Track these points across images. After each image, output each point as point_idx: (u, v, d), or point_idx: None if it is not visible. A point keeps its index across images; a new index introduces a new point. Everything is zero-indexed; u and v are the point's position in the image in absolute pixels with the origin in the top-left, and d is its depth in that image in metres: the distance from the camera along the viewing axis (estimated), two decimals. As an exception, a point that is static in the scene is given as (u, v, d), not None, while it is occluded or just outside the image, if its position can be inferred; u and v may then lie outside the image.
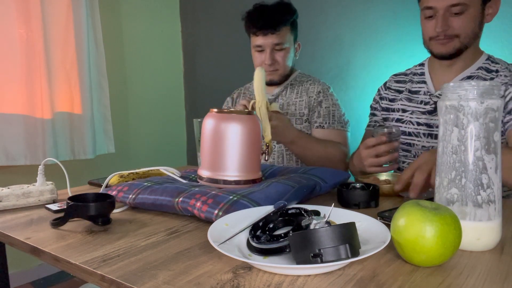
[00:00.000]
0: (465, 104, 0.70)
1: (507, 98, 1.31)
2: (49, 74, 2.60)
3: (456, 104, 0.71)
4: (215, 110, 1.06)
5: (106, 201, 0.91)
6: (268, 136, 1.33)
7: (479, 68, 1.40)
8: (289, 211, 0.81)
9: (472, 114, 0.70)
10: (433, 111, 1.44)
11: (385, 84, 1.68)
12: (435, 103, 1.43)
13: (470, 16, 1.31)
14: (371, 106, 1.71)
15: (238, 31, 3.25)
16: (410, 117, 1.51)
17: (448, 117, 0.73)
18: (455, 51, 1.36)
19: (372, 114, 1.69)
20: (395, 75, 1.66)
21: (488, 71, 1.39)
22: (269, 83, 1.91)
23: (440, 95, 1.43)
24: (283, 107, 1.89)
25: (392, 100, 1.60)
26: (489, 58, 1.42)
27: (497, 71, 1.38)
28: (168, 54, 3.62)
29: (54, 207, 1.08)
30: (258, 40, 1.82)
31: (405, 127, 1.52)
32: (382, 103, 1.64)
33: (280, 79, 1.90)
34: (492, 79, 1.37)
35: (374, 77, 2.60)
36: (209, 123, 1.05)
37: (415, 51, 2.33)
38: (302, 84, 1.92)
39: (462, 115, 0.71)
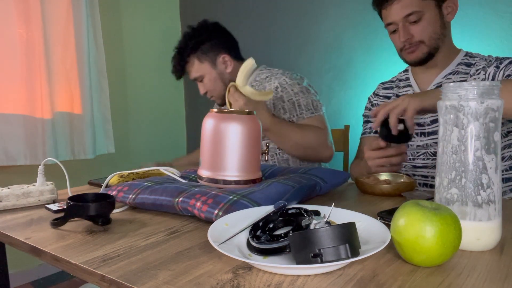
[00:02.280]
0: (465, 104, 0.70)
1: (490, 77, 1.35)
2: (49, 74, 2.61)
3: (456, 104, 0.71)
4: (215, 110, 1.06)
5: (106, 201, 0.91)
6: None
7: (459, 64, 1.45)
8: (289, 211, 0.81)
9: (472, 114, 0.70)
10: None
11: (374, 92, 1.72)
12: None
13: (427, 20, 1.38)
14: (363, 115, 1.73)
15: (238, 31, 3.25)
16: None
17: (448, 117, 0.73)
18: (425, 55, 1.42)
19: (366, 122, 1.71)
20: (382, 83, 1.71)
21: (468, 65, 1.44)
22: None
23: None
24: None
25: None
26: (467, 54, 1.47)
27: (475, 63, 1.43)
28: (168, 54, 3.62)
29: (54, 207, 1.08)
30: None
31: None
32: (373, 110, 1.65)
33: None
34: (470, 70, 1.42)
35: (374, 77, 2.60)
36: (209, 123, 1.05)
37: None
38: (262, 84, 1.84)
39: (462, 115, 0.71)
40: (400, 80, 1.61)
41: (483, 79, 1.37)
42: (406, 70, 1.62)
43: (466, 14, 2.21)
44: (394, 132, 1.19)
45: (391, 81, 1.66)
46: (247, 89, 1.35)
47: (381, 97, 1.66)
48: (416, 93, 1.19)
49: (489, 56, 1.43)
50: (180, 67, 1.90)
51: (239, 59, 1.94)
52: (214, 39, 1.88)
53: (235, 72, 1.89)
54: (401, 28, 1.39)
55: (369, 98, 1.73)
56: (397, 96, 1.58)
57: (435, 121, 1.44)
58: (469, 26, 2.23)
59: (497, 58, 1.39)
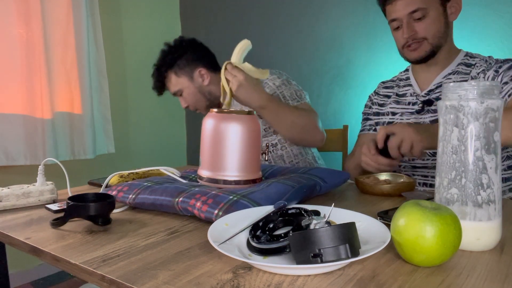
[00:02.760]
0: (465, 104, 0.70)
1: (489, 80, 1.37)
2: (49, 74, 2.61)
3: (456, 104, 0.71)
4: (215, 110, 1.06)
5: (106, 201, 0.91)
6: (233, 87, 1.33)
7: (459, 64, 1.46)
8: (289, 211, 0.81)
9: (472, 114, 0.70)
10: (421, 110, 1.48)
11: (375, 91, 1.72)
12: (422, 102, 1.48)
13: (432, 18, 1.38)
14: (363, 113, 1.74)
15: (238, 31, 3.25)
16: (400, 119, 1.55)
17: (448, 117, 0.73)
18: (427, 53, 1.42)
19: (366, 119, 1.71)
20: (383, 82, 1.71)
21: (468, 65, 1.44)
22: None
23: (427, 94, 1.48)
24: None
25: (382, 105, 1.65)
26: (467, 54, 1.48)
27: (475, 64, 1.43)
28: (168, 54, 3.62)
29: (54, 207, 1.08)
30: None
31: None
32: (373, 108, 1.68)
33: None
34: (471, 71, 1.42)
35: (374, 76, 2.60)
36: (209, 123, 1.05)
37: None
38: None
39: (462, 115, 0.71)
40: (401, 80, 1.62)
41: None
42: (406, 70, 1.62)
43: (466, 14, 2.21)
44: (393, 155, 1.24)
45: (392, 80, 1.67)
46: (246, 65, 1.34)
47: (381, 96, 1.66)
48: (420, 129, 1.21)
49: (489, 57, 1.43)
50: (159, 83, 1.99)
51: (216, 71, 1.98)
52: (189, 54, 1.93)
53: (213, 84, 1.95)
54: (405, 25, 1.39)
55: (369, 97, 1.73)
56: (397, 95, 1.58)
57: (435, 121, 1.43)
58: (469, 26, 2.23)
59: (497, 61, 1.39)
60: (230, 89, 1.33)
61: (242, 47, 1.30)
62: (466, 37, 2.22)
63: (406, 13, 1.38)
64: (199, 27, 3.58)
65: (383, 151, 1.26)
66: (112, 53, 3.16)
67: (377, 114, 1.65)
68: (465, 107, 0.70)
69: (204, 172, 1.06)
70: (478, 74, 1.39)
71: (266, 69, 1.37)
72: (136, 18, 3.35)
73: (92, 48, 2.87)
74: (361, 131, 1.73)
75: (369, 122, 1.69)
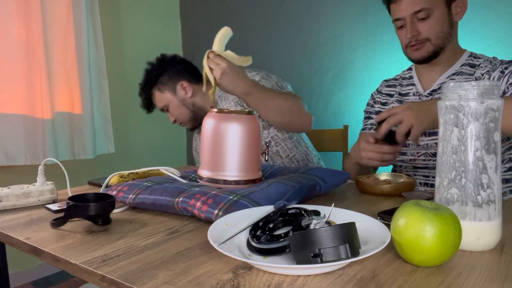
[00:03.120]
0: (465, 104, 0.70)
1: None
2: (49, 74, 2.61)
3: (456, 104, 0.71)
4: (215, 110, 1.06)
5: (106, 201, 0.91)
6: (216, 75, 1.33)
7: (463, 64, 1.45)
8: (289, 211, 0.81)
9: (472, 114, 0.70)
10: None
11: (377, 89, 1.71)
12: None
13: (436, 18, 1.37)
14: (365, 111, 1.74)
15: (238, 31, 3.25)
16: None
17: (448, 117, 0.73)
18: (430, 54, 1.41)
19: (367, 118, 1.71)
20: (386, 80, 1.70)
21: (472, 66, 1.43)
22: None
23: (430, 94, 1.47)
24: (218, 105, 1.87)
25: (384, 104, 1.64)
26: (472, 54, 1.47)
27: (479, 64, 1.42)
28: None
29: (54, 207, 1.08)
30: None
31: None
32: (375, 107, 1.67)
33: None
34: (475, 72, 1.41)
35: (374, 76, 2.60)
36: (209, 123, 1.05)
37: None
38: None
39: (462, 115, 0.71)
40: (404, 79, 1.61)
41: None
42: (410, 69, 1.61)
43: (466, 14, 2.21)
44: (399, 140, 1.21)
45: (395, 79, 1.66)
46: (228, 53, 1.34)
47: (384, 95, 1.66)
48: (421, 107, 1.20)
49: (494, 58, 1.42)
50: (146, 101, 2.05)
51: (199, 82, 2.02)
52: (170, 69, 1.98)
53: (196, 96, 1.98)
54: (408, 24, 1.39)
55: (372, 95, 1.73)
56: (400, 94, 1.58)
57: None
58: (469, 25, 2.23)
59: (502, 62, 1.39)
60: (214, 78, 1.33)
61: (223, 34, 1.30)
62: (466, 37, 2.22)
63: (410, 12, 1.37)
64: (199, 27, 3.58)
65: (387, 138, 1.24)
66: (112, 53, 3.16)
67: (380, 113, 1.64)
68: (465, 107, 0.70)
69: (204, 172, 1.06)
70: (482, 75, 1.39)
71: (248, 56, 1.37)
72: (136, 18, 3.35)
73: (92, 48, 2.87)
74: (362, 129, 1.72)
75: (370, 121, 1.68)
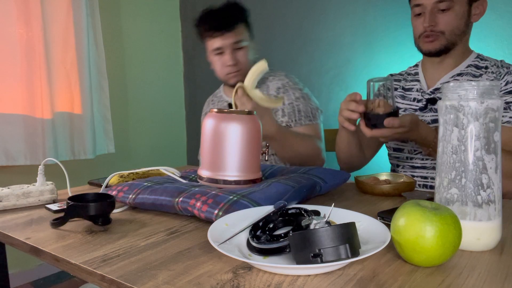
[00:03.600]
0: (465, 104, 0.70)
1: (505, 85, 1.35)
2: (49, 74, 2.61)
3: (456, 104, 0.71)
4: (215, 110, 1.06)
5: (106, 201, 0.91)
6: None
7: (469, 65, 1.44)
8: (289, 211, 0.81)
9: (472, 114, 0.70)
10: (424, 108, 1.47)
11: None
12: (427, 100, 1.46)
13: (456, 13, 1.35)
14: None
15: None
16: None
17: (448, 117, 0.73)
18: (442, 48, 1.39)
19: None
20: (392, 75, 1.69)
21: (478, 67, 1.42)
22: (234, 86, 1.80)
23: (432, 92, 1.46)
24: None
25: None
26: (479, 56, 1.45)
27: (486, 67, 1.41)
28: (168, 54, 3.62)
29: (54, 207, 1.08)
30: (216, 42, 1.73)
31: None
32: None
33: (242, 80, 1.76)
34: (481, 75, 1.40)
35: (374, 76, 2.60)
36: (209, 123, 1.05)
37: (414, 52, 2.33)
38: (264, 82, 1.85)
39: (462, 115, 0.71)
40: (409, 74, 1.59)
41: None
42: (416, 65, 1.60)
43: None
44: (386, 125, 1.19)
45: (400, 74, 1.64)
46: (256, 93, 1.31)
47: None
48: (420, 133, 1.24)
49: (501, 61, 1.41)
50: (234, 17, 1.76)
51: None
52: (251, 26, 1.87)
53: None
54: (428, 13, 1.36)
55: None
56: (404, 89, 1.56)
57: (436, 120, 1.43)
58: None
59: (508, 66, 1.38)
60: None
61: (257, 70, 1.27)
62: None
63: (433, 1, 1.35)
64: (199, 27, 3.58)
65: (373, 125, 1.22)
66: (112, 53, 3.16)
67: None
68: (465, 107, 0.70)
69: (204, 172, 1.06)
70: (486, 73, 1.39)
71: (280, 96, 1.34)
72: (136, 18, 3.35)
73: (92, 48, 2.87)
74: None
75: None
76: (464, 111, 0.70)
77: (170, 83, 3.62)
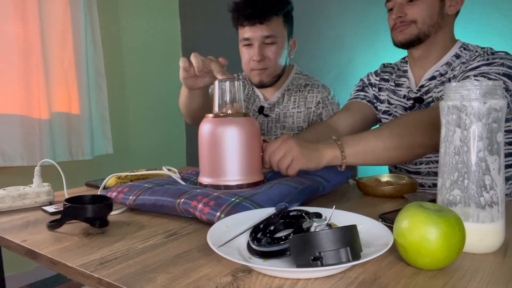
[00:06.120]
0: (467, 104, 0.70)
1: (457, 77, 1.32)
2: (46, 73, 2.61)
3: (459, 104, 0.71)
4: (211, 115, 1.06)
5: (103, 203, 0.91)
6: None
7: (453, 56, 1.41)
8: (291, 213, 0.81)
9: (475, 114, 0.70)
10: (412, 107, 1.45)
11: (376, 71, 1.66)
12: (413, 98, 1.44)
13: (425, 3, 1.34)
14: (357, 85, 1.68)
15: (236, 30, 3.25)
16: (395, 111, 1.52)
17: (450, 118, 0.73)
18: (413, 37, 1.37)
19: (358, 90, 1.65)
20: (385, 65, 1.66)
21: (458, 57, 1.39)
22: (260, 85, 1.76)
23: (418, 90, 1.44)
24: (279, 118, 1.79)
25: (380, 89, 1.60)
26: (463, 45, 1.41)
27: (462, 56, 1.39)
28: (167, 54, 3.63)
29: (50, 209, 1.08)
30: (246, 32, 1.66)
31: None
32: (371, 90, 1.62)
33: (270, 80, 1.73)
34: (459, 65, 1.36)
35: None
36: (205, 129, 1.04)
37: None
38: (300, 90, 1.80)
39: (464, 115, 0.71)
40: (399, 69, 1.57)
41: (454, 76, 1.35)
42: (406, 62, 1.57)
43: (468, 11, 2.21)
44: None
45: (392, 67, 1.62)
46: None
47: (380, 80, 1.61)
48: (304, 146, 1.10)
49: (488, 47, 1.36)
50: (271, 8, 1.65)
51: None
52: (292, 18, 1.78)
53: (297, 61, 1.83)
54: (397, 6, 1.37)
55: (368, 76, 1.67)
56: (395, 83, 1.54)
57: None
58: (471, 24, 2.23)
59: (492, 52, 1.33)
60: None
61: None
62: (468, 35, 2.22)
63: None
64: (198, 26, 3.58)
65: None
66: (110, 52, 3.17)
67: (376, 97, 1.61)
68: (467, 107, 0.70)
69: (205, 179, 1.06)
70: (459, 65, 1.36)
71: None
72: (134, 17, 3.36)
73: (90, 47, 2.87)
74: (349, 99, 1.66)
75: (363, 93, 1.62)
76: (466, 111, 0.70)
77: (169, 83, 3.61)
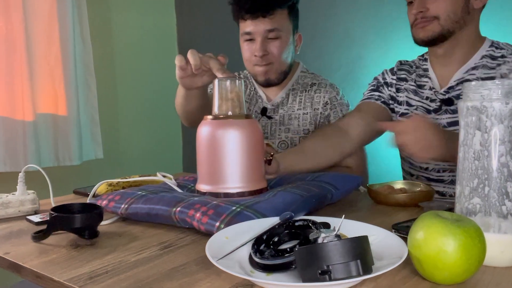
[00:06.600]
0: (488, 105, 0.70)
1: None
2: (30, 71, 2.60)
3: (479, 105, 0.71)
4: (210, 117, 1.06)
5: (93, 212, 0.92)
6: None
7: (483, 56, 1.40)
8: (296, 223, 0.81)
9: (496, 116, 0.70)
10: (439, 110, 1.43)
11: (392, 69, 1.64)
12: (441, 100, 1.43)
13: None
14: (371, 84, 1.67)
15: (238, 25, 3.26)
16: (416, 114, 1.49)
17: (469, 120, 0.73)
18: (436, 35, 1.36)
19: (373, 90, 1.64)
20: (401, 63, 1.64)
21: (493, 58, 1.38)
22: (266, 84, 1.76)
23: (446, 92, 1.42)
24: (283, 120, 1.78)
25: (398, 90, 1.58)
26: (493, 44, 1.41)
27: (502, 56, 1.37)
28: (162, 50, 3.63)
29: (35, 218, 1.08)
30: (247, 25, 1.65)
31: None
32: (387, 90, 1.60)
33: (278, 77, 1.73)
34: (499, 65, 1.36)
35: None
36: (204, 132, 1.04)
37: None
38: (306, 90, 1.80)
39: (485, 117, 0.71)
40: (418, 67, 1.55)
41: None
42: (425, 59, 1.55)
43: (490, 4, 2.20)
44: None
45: (409, 65, 1.60)
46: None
47: (398, 80, 1.58)
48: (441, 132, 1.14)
49: None
50: (272, 1, 1.64)
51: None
52: (297, 12, 1.79)
53: (302, 59, 1.83)
54: None
55: (384, 72, 1.65)
56: (416, 84, 1.51)
57: (453, 123, 1.39)
58: (492, 18, 2.23)
59: None
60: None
61: None
62: (488, 30, 2.22)
63: None
64: (195, 20, 3.59)
65: None
66: (100, 48, 3.17)
67: (392, 98, 1.58)
68: (488, 108, 0.70)
69: (203, 187, 1.06)
70: (509, 71, 1.34)
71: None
72: (127, 10, 3.36)
73: (79, 43, 2.87)
74: (362, 99, 1.65)
75: (378, 93, 1.60)
76: (487, 112, 0.70)
77: (164, 81, 3.60)
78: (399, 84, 1.58)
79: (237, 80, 1.09)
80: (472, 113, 0.72)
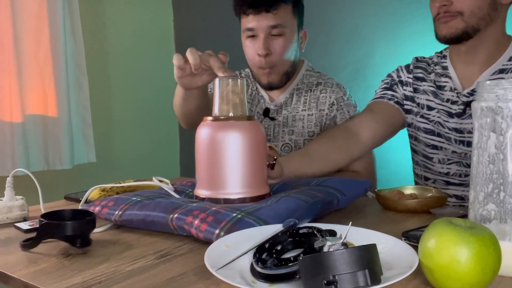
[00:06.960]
0: (504, 105, 0.70)
1: None
2: (19, 70, 2.61)
3: (494, 106, 0.71)
4: (210, 118, 1.06)
5: (85, 219, 0.92)
6: None
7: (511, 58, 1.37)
8: (300, 231, 0.81)
9: (513, 117, 0.70)
10: (462, 113, 1.40)
11: (408, 67, 1.61)
12: (465, 103, 1.40)
13: None
14: (384, 82, 1.65)
15: (237, 20, 3.26)
16: (437, 117, 1.47)
17: (484, 121, 0.73)
18: (459, 32, 1.33)
19: (386, 88, 1.61)
20: (417, 59, 1.61)
21: None
22: (269, 87, 1.77)
23: (470, 94, 1.40)
24: (287, 122, 1.78)
25: (416, 91, 1.55)
26: None
27: None
28: (159, 47, 3.63)
29: (24, 226, 1.09)
30: (250, 21, 1.65)
31: (433, 127, 1.48)
32: (402, 88, 1.58)
33: (280, 80, 1.73)
34: None
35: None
36: (203, 134, 1.04)
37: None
38: (311, 90, 1.79)
39: (500, 118, 0.71)
40: (436, 65, 1.52)
41: None
42: (444, 56, 1.52)
43: None
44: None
45: (426, 62, 1.57)
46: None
47: (414, 79, 1.55)
48: None
49: None
50: None
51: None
52: (303, 9, 1.80)
53: (307, 56, 1.84)
54: None
55: (399, 69, 1.63)
56: (436, 85, 1.48)
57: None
58: None
59: None
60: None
61: None
62: None
63: None
64: (194, 16, 3.59)
65: None
66: (93, 46, 3.17)
67: (409, 99, 1.55)
68: (504, 109, 0.70)
69: (202, 192, 1.06)
70: None
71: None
72: (121, 5, 3.36)
73: (70, 40, 2.87)
74: (374, 98, 1.64)
75: (391, 93, 1.59)
76: (502, 113, 0.70)
77: (161, 81, 3.61)
78: (416, 84, 1.54)
79: (239, 80, 1.09)
80: (486, 114, 0.72)
